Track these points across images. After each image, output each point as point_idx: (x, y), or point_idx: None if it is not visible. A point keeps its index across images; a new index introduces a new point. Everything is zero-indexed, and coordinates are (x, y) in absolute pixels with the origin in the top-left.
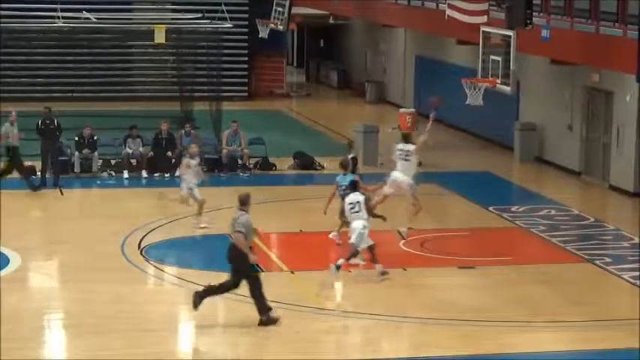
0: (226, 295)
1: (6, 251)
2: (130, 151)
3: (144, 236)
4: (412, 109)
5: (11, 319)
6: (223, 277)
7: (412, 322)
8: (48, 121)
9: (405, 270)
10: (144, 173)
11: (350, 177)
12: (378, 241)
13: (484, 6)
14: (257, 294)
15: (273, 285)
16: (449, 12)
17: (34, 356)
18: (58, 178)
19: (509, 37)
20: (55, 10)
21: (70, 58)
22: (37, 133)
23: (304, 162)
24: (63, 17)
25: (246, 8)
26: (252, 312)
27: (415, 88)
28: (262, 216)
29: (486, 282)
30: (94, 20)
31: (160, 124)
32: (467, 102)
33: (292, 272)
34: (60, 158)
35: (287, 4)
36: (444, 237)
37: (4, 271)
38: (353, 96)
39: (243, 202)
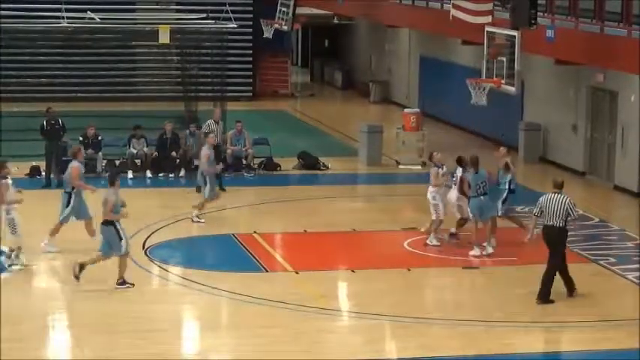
0: (231, 295)
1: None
2: (135, 152)
3: (148, 236)
4: (416, 109)
5: (15, 319)
6: (228, 277)
7: (416, 322)
8: (53, 122)
9: (409, 270)
10: (148, 173)
11: (483, 172)
12: (382, 241)
13: (489, 6)
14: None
15: (277, 285)
16: (453, 12)
17: (37, 356)
18: (61, 180)
19: (514, 37)
20: (59, 10)
21: (74, 58)
22: (41, 134)
23: (309, 162)
24: (67, 17)
25: (250, 8)
26: (256, 312)
27: (420, 88)
28: (266, 216)
29: (491, 282)
30: (98, 20)
31: (164, 124)
32: (471, 102)
33: (297, 272)
34: (64, 158)
35: (291, 4)
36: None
37: (8, 272)
38: (357, 96)
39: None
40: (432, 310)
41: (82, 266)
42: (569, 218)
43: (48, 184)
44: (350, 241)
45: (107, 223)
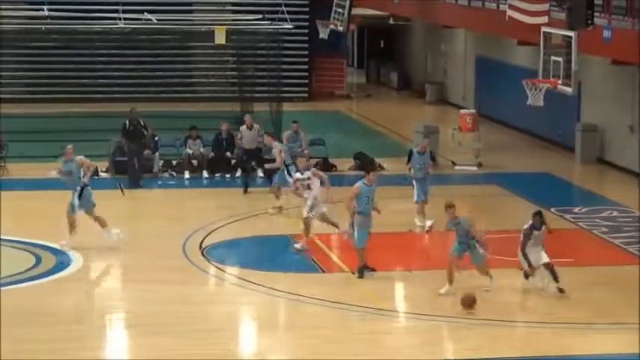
0: (288, 296)
1: (68, 251)
2: (191, 152)
3: (205, 237)
4: (473, 110)
5: (73, 319)
6: (285, 277)
7: (472, 324)
8: (135, 122)
9: (464, 270)
10: (204, 174)
11: None
12: (438, 242)
13: (545, 6)
14: None
15: (333, 286)
16: (509, 12)
17: (95, 356)
18: (141, 179)
19: (570, 37)
20: (116, 11)
21: (131, 59)
22: (123, 135)
23: (365, 163)
24: (124, 19)
25: (306, 9)
26: (313, 312)
27: (476, 89)
28: None
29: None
30: (155, 21)
31: (220, 124)
32: (528, 103)
33: (353, 273)
34: (120, 159)
35: (347, 5)
36: (505, 238)
37: (66, 271)
38: (413, 97)
39: None
40: (489, 311)
41: None
42: None
43: (134, 184)
44: (406, 241)
45: None
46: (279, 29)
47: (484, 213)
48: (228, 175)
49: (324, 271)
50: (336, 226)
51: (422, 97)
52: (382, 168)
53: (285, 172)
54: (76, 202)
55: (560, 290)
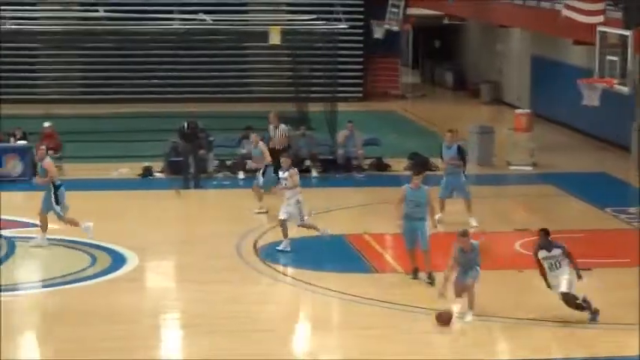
0: (341, 295)
1: (123, 251)
2: (245, 152)
3: (259, 236)
4: (528, 110)
5: (128, 319)
6: (338, 277)
7: (526, 324)
8: (193, 125)
9: (520, 272)
10: (259, 174)
11: None
12: (494, 242)
13: (600, 6)
14: None
15: (387, 286)
16: (565, 12)
17: (150, 356)
18: (199, 180)
19: (626, 36)
20: (171, 12)
21: (186, 59)
22: (180, 136)
23: (419, 163)
24: (179, 19)
25: (361, 9)
26: (366, 312)
27: (531, 89)
28: (376, 217)
29: (602, 284)
30: (210, 22)
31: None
32: (583, 102)
33: (407, 274)
34: (175, 159)
35: (402, 4)
36: (560, 238)
37: (121, 271)
38: (468, 97)
39: None
40: (543, 311)
41: None
42: None
43: (187, 185)
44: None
45: None
46: (334, 29)
47: (538, 213)
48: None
49: (377, 271)
50: (316, 227)
51: (477, 97)
52: (437, 168)
53: (260, 173)
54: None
55: (592, 319)
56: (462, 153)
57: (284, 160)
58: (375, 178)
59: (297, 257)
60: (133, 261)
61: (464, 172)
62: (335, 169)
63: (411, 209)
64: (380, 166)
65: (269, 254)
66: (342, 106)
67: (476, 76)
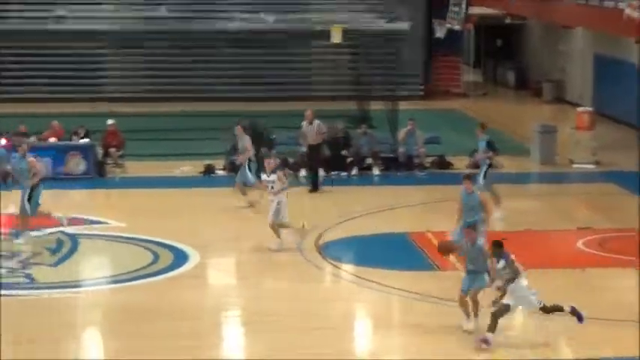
0: (403, 293)
1: (185, 248)
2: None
3: (321, 234)
4: (590, 108)
5: (190, 316)
6: (400, 275)
7: (590, 323)
8: (255, 124)
9: (583, 270)
10: (321, 172)
11: None
12: (556, 240)
13: None
14: None
15: (449, 284)
16: (627, 11)
17: (212, 355)
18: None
19: None
20: (233, 11)
21: (248, 58)
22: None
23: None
24: (241, 19)
25: (423, 8)
26: (429, 311)
27: (594, 87)
28: (439, 215)
29: None
30: (272, 21)
31: (336, 123)
32: None
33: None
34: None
35: (463, 4)
36: (622, 237)
37: (183, 268)
38: (530, 95)
39: None
40: (607, 310)
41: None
42: None
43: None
44: (523, 240)
45: None
46: (396, 28)
47: (600, 211)
48: (344, 173)
49: (439, 269)
50: (288, 226)
51: (539, 95)
52: (499, 166)
53: (247, 169)
54: (27, 205)
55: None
56: (490, 146)
57: (268, 163)
58: (437, 176)
59: (359, 254)
60: (194, 258)
61: (490, 164)
62: (396, 167)
63: (465, 213)
64: (442, 164)
65: (330, 251)
66: (403, 105)
67: (538, 74)
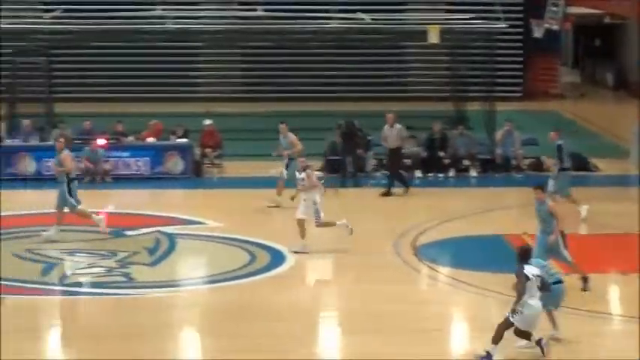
0: (501, 296)
1: (282, 248)
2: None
3: (417, 236)
4: None
5: (288, 316)
6: (497, 277)
7: None
8: (351, 124)
9: None
10: (417, 173)
11: None
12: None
13: None
14: None
15: None
16: None
17: (309, 355)
18: (357, 178)
19: None
20: (329, 11)
21: (344, 58)
22: (339, 136)
23: (578, 163)
24: (338, 18)
25: (520, 8)
26: None
27: None
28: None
29: None
30: (369, 21)
31: (433, 124)
32: None
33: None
34: (333, 158)
35: (562, 3)
36: None
37: (280, 268)
38: (630, 96)
39: None
40: None
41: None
42: None
43: (345, 184)
44: (622, 243)
45: None
46: (493, 28)
47: None
48: (441, 175)
49: None
50: (333, 224)
51: (638, 96)
52: (597, 168)
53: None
54: (70, 199)
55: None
56: (558, 150)
57: (299, 162)
58: (534, 178)
59: (456, 257)
60: (291, 259)
61: (561, 168)
62: (493, 168)
63: (539, 223)
64: (539, 166)
65: (427, 253)
66: (500, 106)
67: (637, 75)
